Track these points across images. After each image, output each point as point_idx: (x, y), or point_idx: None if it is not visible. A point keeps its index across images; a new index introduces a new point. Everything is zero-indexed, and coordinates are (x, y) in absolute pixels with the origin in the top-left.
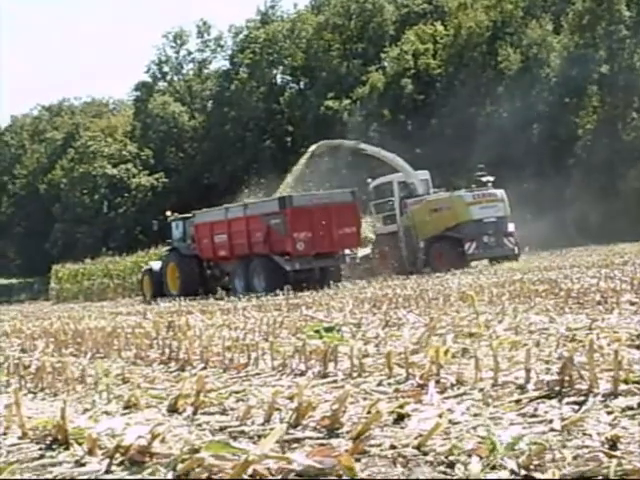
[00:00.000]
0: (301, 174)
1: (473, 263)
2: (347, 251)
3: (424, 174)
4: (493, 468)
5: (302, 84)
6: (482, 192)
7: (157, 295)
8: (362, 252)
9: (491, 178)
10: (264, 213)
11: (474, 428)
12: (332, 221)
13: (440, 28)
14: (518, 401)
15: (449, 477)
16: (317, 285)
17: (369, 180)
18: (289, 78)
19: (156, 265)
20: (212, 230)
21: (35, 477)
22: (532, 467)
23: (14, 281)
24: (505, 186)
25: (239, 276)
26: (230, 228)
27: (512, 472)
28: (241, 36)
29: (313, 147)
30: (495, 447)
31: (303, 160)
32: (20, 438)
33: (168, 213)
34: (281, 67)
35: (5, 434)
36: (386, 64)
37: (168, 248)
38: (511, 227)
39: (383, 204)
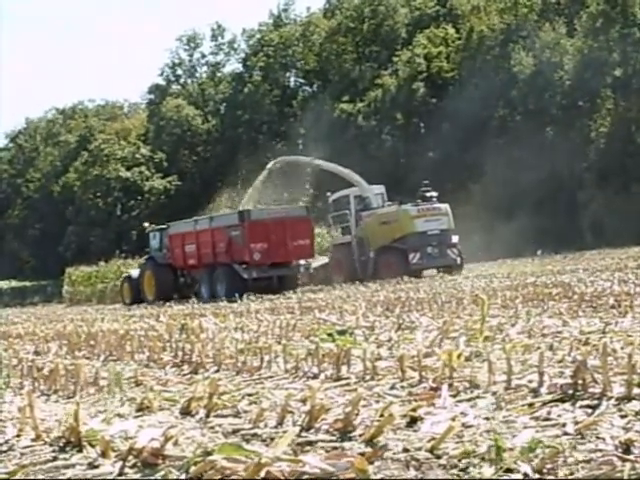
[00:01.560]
0: (260, 189)
1: (426, 272)
2: (302, 261)
3: (379, 188)
4: (507, 471)
5: (315, 87)
6: (426, 206)
7: (135, 300)
8: (321, 260)
9: (434, 193)
10: (226, 225)
11: (487, 431)
12: (287, 234)
13: (452, 31)
14: (531, 404)
15: None
16: (275, 292)
17: (328, 194)
18: (302, 81)
19: (135, 272)
20: (183, 240)
21: (49, 479)
22: (545, 471)
23: (27, 284)
24: (516, 189)
25: (205, 283)
26: (198, 239)
27: (525, 475)
28: (254, 39)
29: (271, 164)
30: (501, 450)
31: (262, 176)
32: (34, 440)
33: (146, 224)
34: (294, 70)
35: (19, 436)
36: (398, 67)
37: (145, 257)
38: (455, 239)
39: (340, 216)
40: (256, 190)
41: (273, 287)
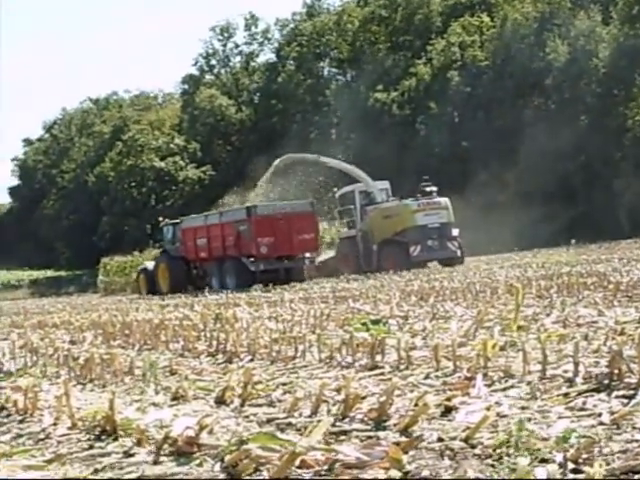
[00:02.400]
0: (267, 185)
1: (430, 264)
2: (307, 254)
3: (383, 184)
4: (542, 461)
5: (349, 76)
6: (426, 201)
7: (151, 292)
8: (328, 254)
9: (434, 188)
10: (235, 220)
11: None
12: (292, 228)
13: (487, 20)
14: (566, 394)
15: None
16: (282, 284)
17: (335, 189)
18: (335, 70)
19: (150, 265)
20: (195, 234)
21: (85, 467)
22: (581, 461)
23: (62, 273)
24: (550, 178)
25: (215, 275)
26: (209, 233)
27: (560, 465)
28: (288, 29)
29: (277, 161)
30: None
31: (269, 173)
32: (70, 428)
33: (160, 219)
34: (327, 59)
35: (55, 425)
36: (432, 56)
37: (160, 250)
38: (455, 232)
39: (346, 211)
40: (263, 186)
41: (280, 279)
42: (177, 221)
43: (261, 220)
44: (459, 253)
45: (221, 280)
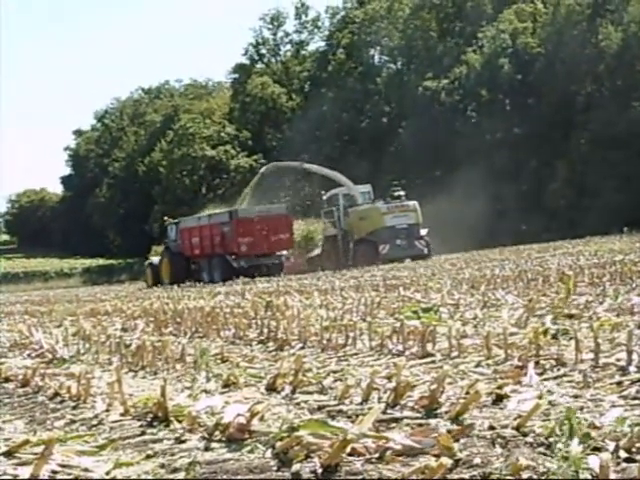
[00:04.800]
0: (253, 190)
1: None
2: (284, 252)
3: (365, 187)
4: (594, 449)
5: (399, 64)
6: (395, 204)
7: (155, 284)
8: (315, 251)
9: (402, 192)
10: (220, 222)
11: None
12: (270, 229)
13: (540, 6)
14: (620, 383)
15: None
16: (263, 276)
17: (322, 192)
18: (386, 58)
19: (155, 259)
20: (190, 233)
21: (137, 453)
22: (634, 449)
23: (114, 262)
24: (602, 166)
25: (205, 269)
26: (201, 233)
27: (613, 454)
28: (338, 17)
29: (263, 168)
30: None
31: (255, 179)
32: (122, 415)
33: (165, 218)
34: (378, 47)
35: (108, 411)
36: (483, 43)
37: (164, 247)
38: (423, 232)
39: (331, 212)
40: (249, 191)
41: (262, 273)
42: (177, 221)
43: (241, 222)
44: (426, 251)
45: (210, 274)
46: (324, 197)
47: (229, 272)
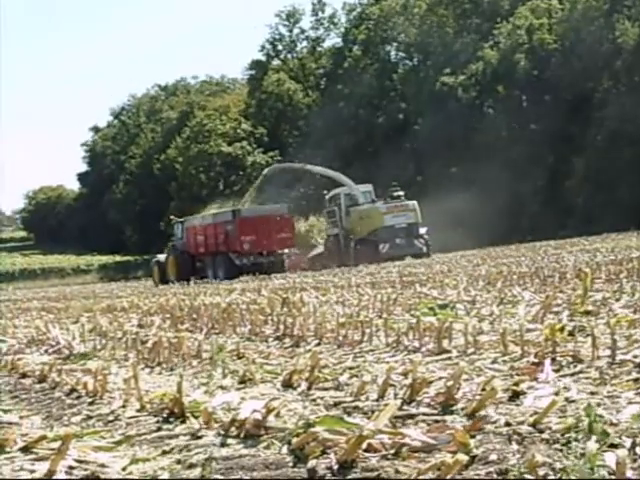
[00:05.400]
0: (257, 191)
1: (407, 257)
2: (286, 250)
3: (366, 187)
4: (611, 446)
5: (415, 60)
6: (395, 204)
7: (162, 281)
8: (318, 249)
9: (401, 193)
10: (224, 221)
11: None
12: (271, 228)
13: (555, 2)
14: (636, 380)
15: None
16: (265, 274)
17: (325, 192)
18: (403, 54)
19: (162, 257)
20: (195, 232)
21: (153, 448)
22: None
23: (130, 258)
24: (619, 162)
25: (210, 267)
26: (205, 231)
27: (630, 451)
28: (355, 13)
29: (266, 170)
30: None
31: (259, 180)
32: (138, 411)
33: (172, 217)
34: (394, 44)
35: (124, 407)
36: (500, 39)
37: (171, 245)
38: (422, 230)
39: (333, 211)
40: (253, 192)
41: (264, 271)
42: (183, 220)
43: (244, 221)
44: (425, 249)
45: (214, 271)
46: (326, 197)
47: (232, 270)
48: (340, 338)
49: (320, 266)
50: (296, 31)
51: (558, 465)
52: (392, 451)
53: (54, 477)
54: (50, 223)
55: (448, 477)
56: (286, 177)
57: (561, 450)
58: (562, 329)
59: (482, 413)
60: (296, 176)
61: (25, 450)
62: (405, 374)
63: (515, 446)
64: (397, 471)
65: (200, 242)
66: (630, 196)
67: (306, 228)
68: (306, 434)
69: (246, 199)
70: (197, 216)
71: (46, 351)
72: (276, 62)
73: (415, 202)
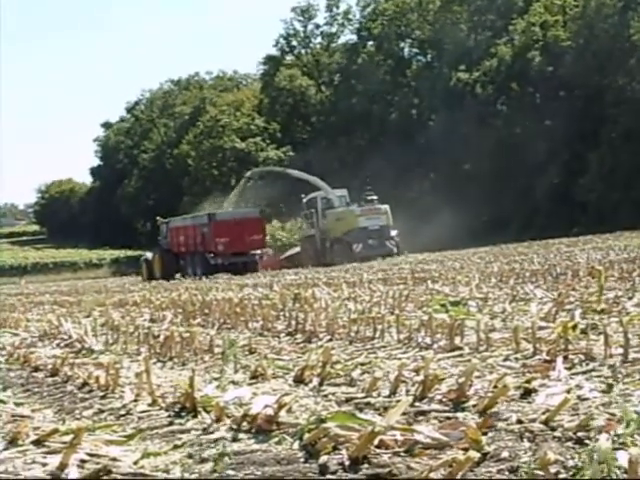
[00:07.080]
0: (238, 194)
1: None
2: (258, 251)
3: (342, 191)
4: (622, 444)
5: (429, 57)
6: (368, 207)
7: (149, 278)
8: (295, 249)
9: (375, 197)
10: (200, 224)
11: (603, 404)
12: (244, 230)
13: None
14: None
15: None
16: (239, 274)
17: (303, 196)
18: (416, 51)
19: (149, 255)
20: (177, 232)
21: (165, 442)
22: None
23: (142, 253)
24: (633, 160)
25: (189, 265)
26: (185, 232)
27: None
28: (369, 9)
29: (248, 173)
30: (630, 423)
31: (240, 184)
32: (150, 405)
33: (158, 218)
34: (408, 40)
35: (136, 401)
36: (514, 36)
37: (157, 244)
38: (393, 233)
39: (309, 213)
40: (234, 196)
41: (238, 270)
42: (167, 220)
43: (218, 224)
44: (395, 250)
45: (193, 269)
46: (304, 200)
47: (209, 268)
48: (352, 334)
49: (293, 265)
50: (310, 27)
51: (570, 463)
52: (404, 448)
53: (66, 470)
54: (62, 217)
55: (459, 474)
56: (266, 180)
57: (573, 448)
58: (574, 327)
59: (494, 410)
60: (276, 179)
61: (37, 443)
62: (417, 371)
63: (527, 444)
64: (409, 468)
65: (181, 242)
66: None
67: (281, 229)
68: (318, 430)
69: (228, 202)
70: (180, 218)
71: (58, 345)
72: (290, 58)
73: (387, 206)
